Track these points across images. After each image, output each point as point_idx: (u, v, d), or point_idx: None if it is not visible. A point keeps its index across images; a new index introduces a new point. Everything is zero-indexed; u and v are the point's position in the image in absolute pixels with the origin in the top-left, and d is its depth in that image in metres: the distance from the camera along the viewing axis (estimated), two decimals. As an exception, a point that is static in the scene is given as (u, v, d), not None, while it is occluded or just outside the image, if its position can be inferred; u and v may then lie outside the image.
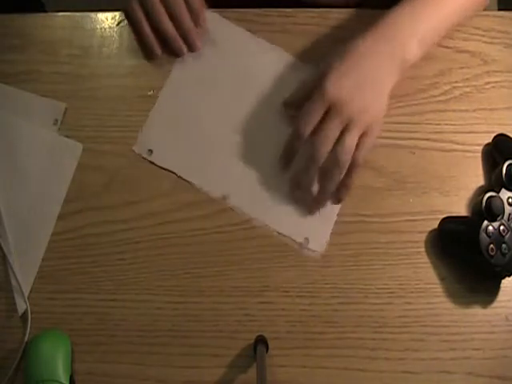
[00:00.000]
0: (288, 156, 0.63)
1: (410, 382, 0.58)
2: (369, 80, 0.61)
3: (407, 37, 0.62)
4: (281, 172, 0.64)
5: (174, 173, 0.64)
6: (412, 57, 0.63)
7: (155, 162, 0.64)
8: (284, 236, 0.62)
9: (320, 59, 0.64)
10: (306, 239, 0.62)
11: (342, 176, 0.60)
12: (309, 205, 0.63)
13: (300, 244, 0.62)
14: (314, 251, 0.62)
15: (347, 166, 0.59)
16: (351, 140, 0.59)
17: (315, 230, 0.63)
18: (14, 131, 0.66)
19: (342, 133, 0.59)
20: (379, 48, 0.61)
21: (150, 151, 0.65)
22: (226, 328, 0.60)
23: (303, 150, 0.61)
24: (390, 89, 0.62)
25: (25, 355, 0.57)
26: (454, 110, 0.68)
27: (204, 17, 0.68)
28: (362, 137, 0.60)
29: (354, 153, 0.59)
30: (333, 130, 0.59)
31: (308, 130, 0.60)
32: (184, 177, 0.64)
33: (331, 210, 0.63)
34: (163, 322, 0.60)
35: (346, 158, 0.59)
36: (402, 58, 0.62)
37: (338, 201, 0.63)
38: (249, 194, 0.64)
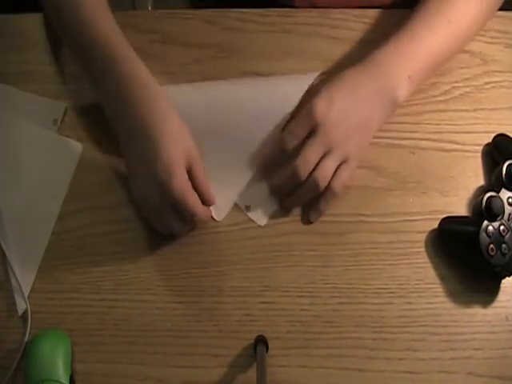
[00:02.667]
0: (270, 165, 0.64)
1: (409, 381, 0.58)
2: (358, 115, 0.61)
3: (398, 77, 0.62)
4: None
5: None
6: (402, 98, 0.63)
7: None
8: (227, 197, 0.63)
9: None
10: (248, 207, 0.64)
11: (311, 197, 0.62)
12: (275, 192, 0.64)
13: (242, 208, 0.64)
14: (254, 221, 0.63)
15: (321, 191, 0.61)
16: (329, 167, 0.61)
17: (257, 201, 0.64)
18: (14, 131, 0.66)
19: (322, 159, 0.60)
20: (371, 86, 0.62)
21: None
22: (226, 328, 0.60)
23: (285, 163, 0.62)
24: (376, 129, 0.63)
25: (25, 355, 0.57)
26: (453, 110, 0.68)
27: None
28: (339, 166, 0.61)
29: (331, 181, 0.61)
30: (314, 155, 0.60)
31: (292, 145, 0.61)
32: None
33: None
34: (163, 322, 0.60)
35: (322, 184, 0.60)
36: (392, 100, 0.63)
37: (308, 222, 0.63)
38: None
